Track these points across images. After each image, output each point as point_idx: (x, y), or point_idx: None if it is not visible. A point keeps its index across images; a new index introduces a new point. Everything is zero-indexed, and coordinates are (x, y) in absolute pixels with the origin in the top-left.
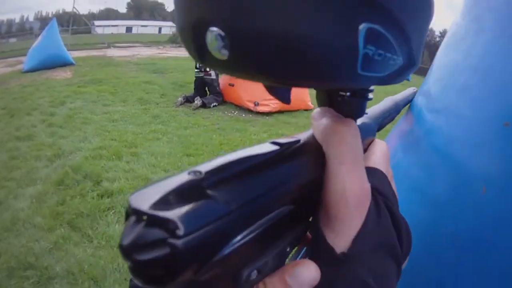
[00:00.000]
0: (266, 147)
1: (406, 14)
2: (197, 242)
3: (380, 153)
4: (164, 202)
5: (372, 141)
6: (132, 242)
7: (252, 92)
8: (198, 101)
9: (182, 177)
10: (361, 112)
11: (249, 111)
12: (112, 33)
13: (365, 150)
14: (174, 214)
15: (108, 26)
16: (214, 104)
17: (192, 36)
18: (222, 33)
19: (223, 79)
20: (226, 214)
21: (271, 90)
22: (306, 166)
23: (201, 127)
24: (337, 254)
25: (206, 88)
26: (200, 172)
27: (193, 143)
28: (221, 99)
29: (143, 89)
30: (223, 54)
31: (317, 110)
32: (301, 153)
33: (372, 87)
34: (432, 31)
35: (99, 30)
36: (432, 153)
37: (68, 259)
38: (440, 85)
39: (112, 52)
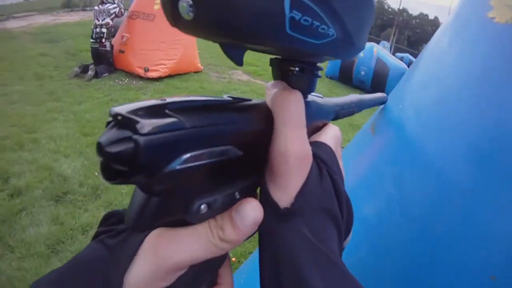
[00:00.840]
0: (222, 98)
1: None
2: (155, 143)
3: (331, 134)
4: (135, 112)
5: (326, 124)
6: (106, 138)
7: (142, 57)
8: (91, 71)
9: (152, 101)
10: (309, 87)
11: (140, 77)
12: (11, 3)
13: (318, 129)
14: (140, 117)
15: None
16: (105, 74)
17: (170, 4)
18: (190, 2)
19: (113, 47)
20: (180, 129)
21: (225, 50)
22: (254, 118)
23: (95, 100)
24: (281, 209)
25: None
26: (165, 99)
27: (88, 121)
28: (112, 69)
29: (38, 62)
30: (189, 15)
31: (271, 82)
32: (251, 108)
33: (320, 66)
34: (409, 15)
35: (0, 2)
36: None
37: None
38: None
39: (11, 24)
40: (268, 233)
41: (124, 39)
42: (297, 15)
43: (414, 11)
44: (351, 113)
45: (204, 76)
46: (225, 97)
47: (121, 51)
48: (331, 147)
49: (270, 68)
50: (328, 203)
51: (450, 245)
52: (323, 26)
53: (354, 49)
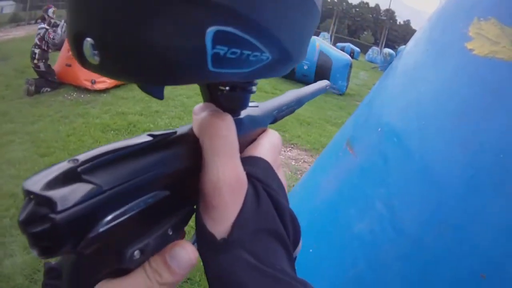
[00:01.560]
0: (141, 138)
1: (267, 15)
2: (73, 217)
3: (268, 144)
4: (48, 185)
5: (263, 131)
6: (24, 218)
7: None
8: (30, 85)
9: (63, 165)
10: (243, 105)
11: (87, 90)
12: None
13: (253, 140)
14: (54, 193)
15: None
16: (46, 89)
17: (74, 45)
18: (93, 43)
19: (60, 61)
20: (98, 194)
21: (143, 88)
22: (179, 155)
23: (47, 118)
24: (218, 241)
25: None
26: (77, 160)
27: (43, 140)
28: (56, 85)
29: None
30: (95, 60)
31: (198, 105)
32: (175, 144)
33: (255, 81)
34: (349, 4)
35: None
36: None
37: None
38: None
39: None
40: (211, 265)
41: (70, 53)
42: (222, 50)
43: (353, 0)
44: (290, 112)
45: None
46: (145, 136)
47: (68, 65)
48: (267, 159)
49: None
50: (269, 223)
51: (441, 256)
52: (255, 54)
53: (292, 63)
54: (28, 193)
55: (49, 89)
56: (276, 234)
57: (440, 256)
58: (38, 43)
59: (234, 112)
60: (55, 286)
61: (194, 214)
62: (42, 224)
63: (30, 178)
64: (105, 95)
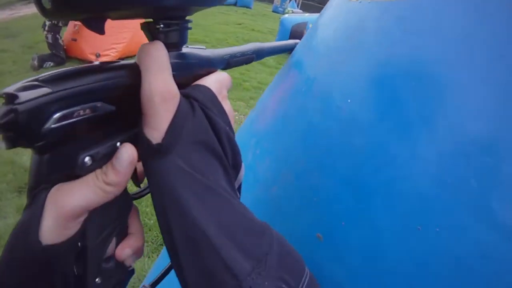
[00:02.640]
0: (93, 64)
1: None
2: (30, 107)
3: (215, 77)
4: (16, 89)
5: (212, 72)
6: None
7: (93, 43)
8: (34, 61)
9: (30, 79)
10: (180, 40)
11: (92, 63)
12: None
13: (202, 76)
14: (17, 91)
15: None
16: (50, 63)
17: None
18: None
19: (66, 36)
20: (48, 94)
21: (86, 24)
22: (120, 75)
23: None
24: (153, 145)
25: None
26: (40, 76)
27: None
28: (59, 60)
29: None
30: (49, 4)
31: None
32: (119, 67)
33: (190, 19)
34: None
35: None
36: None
37: None
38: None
39: None
40: (148, 170)
41: (76, 28)
42: None
43: None
44: (247, 61)
45: None
46: (96, 63)
47: (74, 39)
48: (211, 88)
49: (219, 43)
50: (204, 136)
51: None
52: None
53: None
54: (2, 94)
55: (52, 64)
56: (212, 150)
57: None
58: None
59: (175, 47)
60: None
61: None
62: (7, 116)
63: (8, 86)
64: None
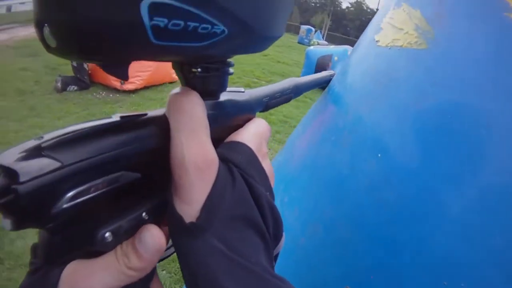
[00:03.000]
0: (109, 119)
1: None
2: (33, 188)
3: (254, 130)
4: (15, 159)
5: (250, 118)
6: None
7: None
8: (58, 83)
9: (30, 142)
10: (219, 87)
11: (116, 90)
12: None
13: (241, 126)
14: (17, 166)
15: None
16: (73, 87)
17: (38, 32)
18: (49, 29)
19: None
20: (57, 169)
21: (104, 68)
22: (147, 135)
23: (73, 115)
24: (186, 224)
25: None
26: (42, 137)
27: None
28: (84, 85)
29: (19, 77)
30: (53, 43)
31: (174, 89)
32: (144, 124)
33: (231, 61)
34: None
35: None
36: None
37: None
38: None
39: None
40: (180, 249)
41: None
42: (162, 22)
43: None
44: (286, 101)
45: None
46: (114, 117)
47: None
48: (250, 145)
49: (246, 75)
50: (244, 210)
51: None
52: (204, 26)
53: (264, 40)
54: None
55: (75, 88)
56: (253, 224)
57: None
58: None
59: (213, 95)
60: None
61: None
62: (6, 196)
63: (3, 153)
64: (133, 95)
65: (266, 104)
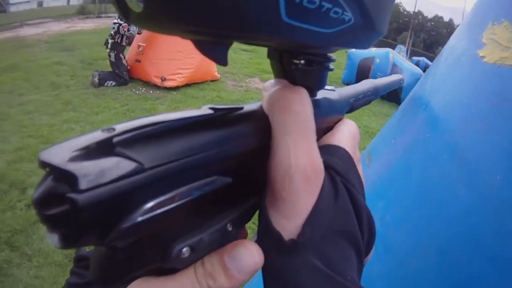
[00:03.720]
0: (199, 111)
1: None
2: (100, 199)
3: (348, 132)
4: (72, 157)
5: (340, 119)
6: (39, 196)
7: (159, 67)
8: (95, 77)
9: (95, 134)
10: (319, 84)
11: (157, 87)
12: (24, 9)
13: (330, 128)
14: (77, 168)
15: (22, 2)
16: (111, 82)
17: None
18: None
19: (129, 56)
20: (137, 172)
21: (203, 48)
22: (244, 134)
23: (112, 110)
24: (285, 241)
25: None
26: (113, 129)
27: None
28: (122, 81)
29: (54, 71)
30: (139, 6)
31: (270, 81)
32: (240, 120)
33: (332, 56)
34: (424, 17)
35: (13, 8)
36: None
37: (16, 285)
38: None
39: (25, 31)
40: (272, 267)
41: (140, 49)
42: None
43: (429, 13)
44: (367, 102)
45: (221, 85)
46: (205, 108)
47: (138, 61)
48: (348, 150)
49: None
50: (346, 224)
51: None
52: (336, 9)
53: (374, 36)
54: (43, 165)
55: (114, 83)
56: (351, 238)
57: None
58: (112, 34)
59: (310, 92)
60: (83, 275)
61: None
62: (60, 206)
63: (50, 146)
64: (175, 92)
65: (351, 106)
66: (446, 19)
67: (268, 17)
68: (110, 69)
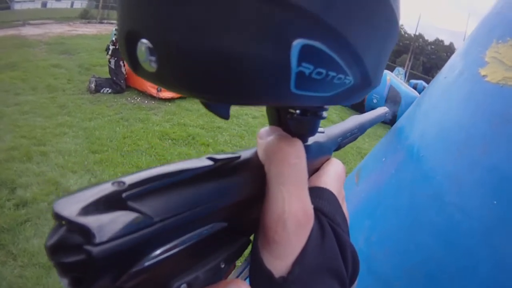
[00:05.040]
0: (200, 162)
1: (355, 33)
2: (113, 251)
3: (334, 173)
4: (85, 210)
5: (327, 160)
6: (53, 244)
7: None
8: (92, 83)
9: (106, 187)
10: (312, 131)
11: (152, 97)
12: (28, 8)
13: (317, 169)
14: (92, 222)
15: (26, 1)
16: (107, 89)
17: (125, 46)
18: (151, 46)
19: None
20: (147, 226)
21: (207, 106)
22: (242, 184)
23: (105, 118)
24: (276, 279)
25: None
26: (123, 183)
27: (97, 138)
28: (119, 88)
29: (51, 74)
30: (152, 67)
31: (264, 128)
32: (238, 170)
33: (327, 106)
34: (425, 40)
35: (17, 6)
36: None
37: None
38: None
39: (27, 31)
40: None
41: None
42: (308, 68)
43: (430, 37)
44: (354, 139)
45: None
46: (204, 159)
47: None
48: (333, 191)
49: None
50: (332, 262)
51: None
52: (340, 76)
53: (368, 91)
54: (58, 217)
55: (109, 90)
56: (336, 274)
57: None
58: (114, 40)
59: (303, 138)
60: None
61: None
62: (75, 255)
63: (62, 198)
64: (169, 104)
65: (339, 144)
66: (447, 42)
67: (278, 90)
68: (107, 76)
